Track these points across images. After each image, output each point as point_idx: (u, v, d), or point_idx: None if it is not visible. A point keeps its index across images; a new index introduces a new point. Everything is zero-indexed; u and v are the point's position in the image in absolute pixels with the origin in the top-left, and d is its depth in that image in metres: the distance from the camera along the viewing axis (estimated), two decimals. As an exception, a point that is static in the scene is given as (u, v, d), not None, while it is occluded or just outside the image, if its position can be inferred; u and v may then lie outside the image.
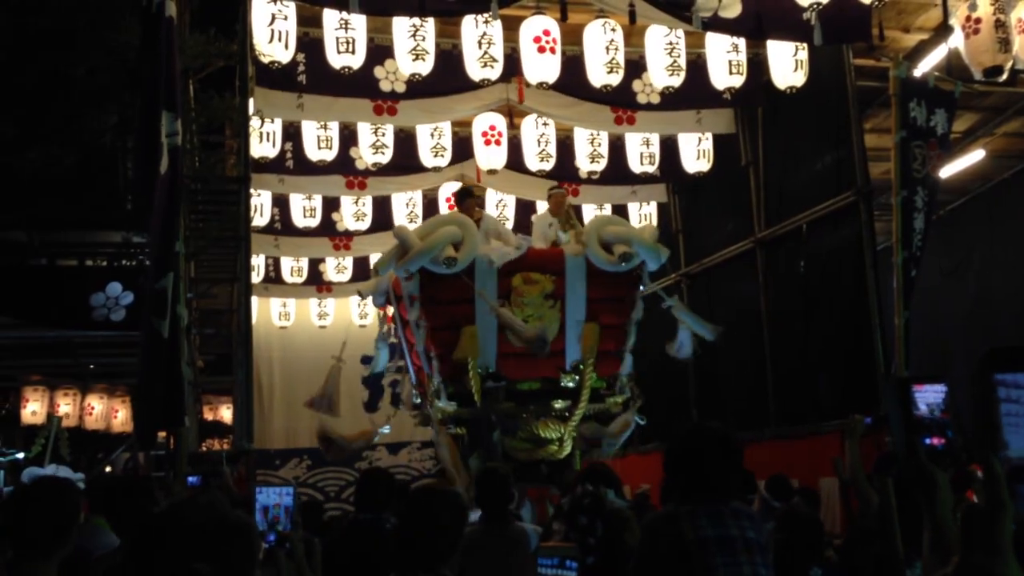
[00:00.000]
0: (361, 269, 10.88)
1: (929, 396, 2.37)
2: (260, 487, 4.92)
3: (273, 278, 11.09)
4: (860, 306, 7.36)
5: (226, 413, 13.12)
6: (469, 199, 7.51)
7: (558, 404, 6.86)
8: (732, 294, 9.49)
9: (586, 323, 6.84)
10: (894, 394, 2.39)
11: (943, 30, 7.37)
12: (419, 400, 7.48)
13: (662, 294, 7.53)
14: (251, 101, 6.93)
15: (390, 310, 7.59)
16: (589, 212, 9.78)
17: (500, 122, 8.75)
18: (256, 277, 9.77)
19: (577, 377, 6.85)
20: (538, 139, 8.82)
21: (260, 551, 2.55)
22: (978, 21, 7.02)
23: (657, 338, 7.73)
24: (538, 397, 6.88)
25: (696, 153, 9.09)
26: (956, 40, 7.21)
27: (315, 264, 11.11)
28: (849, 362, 7.60)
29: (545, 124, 8.83)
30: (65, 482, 2.65)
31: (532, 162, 8.85)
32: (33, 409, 11.80)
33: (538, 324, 6.64)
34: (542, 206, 8.64)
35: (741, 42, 7.53)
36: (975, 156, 9.56)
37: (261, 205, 9.48)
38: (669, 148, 9.13)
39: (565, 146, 9.04)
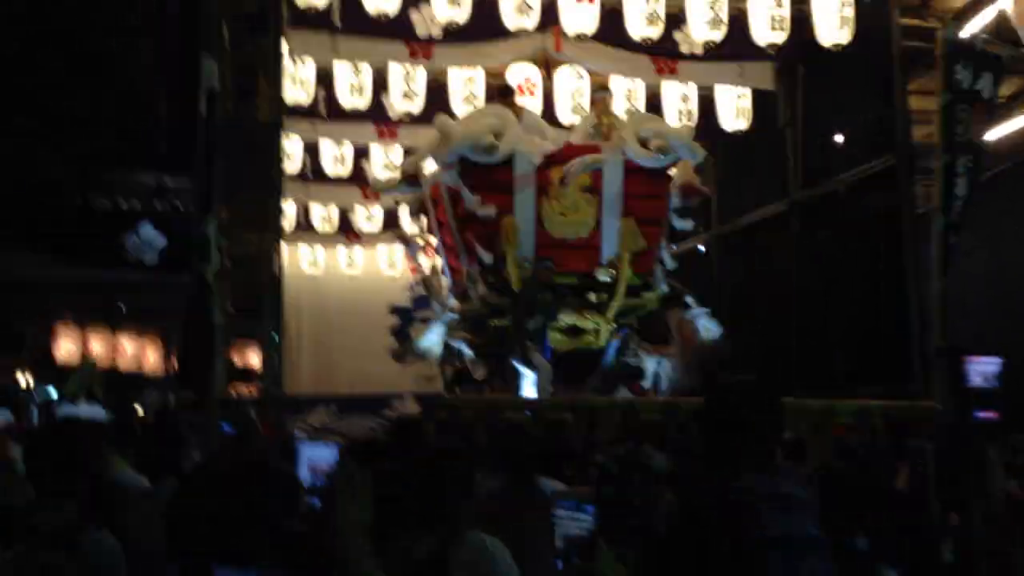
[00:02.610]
0: (391, 219, 10.85)
1: (985, 368, 2.31)
2: (305, 442, 4.96)
3: (303, 226, 11.10)
4: (896, 273, 7.27)
5: (254, 358, 13.24)
6: (509, 94, 7.47)
7: (594, 297, 6.88)
8: (765, 257, 9.39)
9: (623, 218, 6.81)
10: (944, 365, 2.33)
11: (994, -10, 7.17)
12: (455, 302, 7.45)
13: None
14: (284, 44, 6.86)
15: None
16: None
17: (535, 74, 8.63)
18: (286, 225, 9.77)
19: (613, 271, 6.85)
20: (573, 92, 8.69)
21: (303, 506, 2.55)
22: (1032, -19, 6.82)
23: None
24: (575, 290, 6.90)
25: (734, 111, 8.93)
26: (1005, 2, 7.01)
27: (345, 213, 11.11)
28: (882, 331, 7.52)
29: (580, 77, 8.70)
30: (82, 421, 2.66)
31: (565, 116, 8.74)
32: (66, 348, 11.93)
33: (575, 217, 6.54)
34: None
35: (786, -4, 7.34)
36: (1020, 122, 9.34)
37: (292, 151, 9.45)
38: (707, 105, 8.97)
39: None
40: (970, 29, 7.47)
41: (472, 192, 6.63)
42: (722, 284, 9.88)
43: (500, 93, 7.67)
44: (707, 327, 6.96)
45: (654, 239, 7.03)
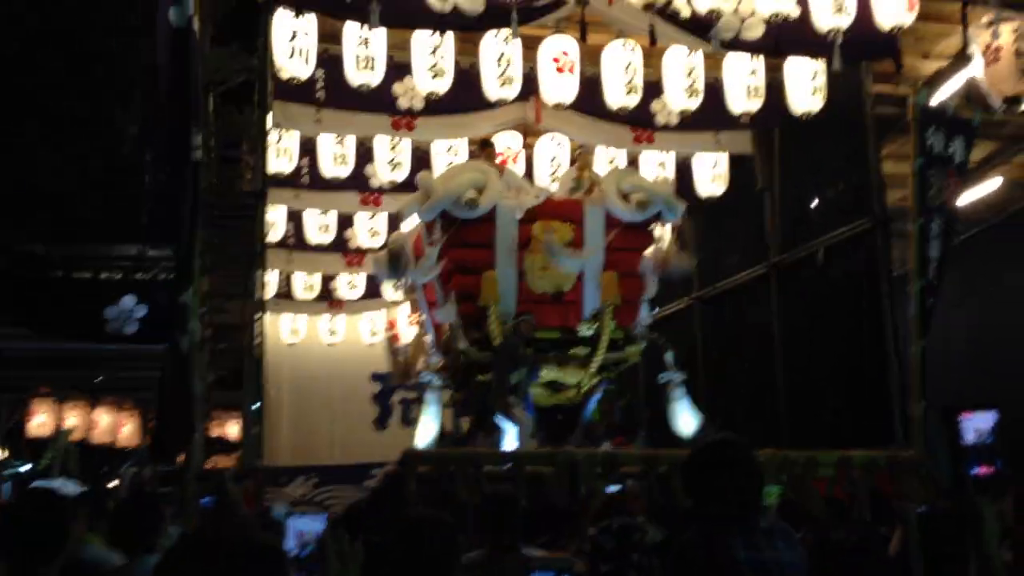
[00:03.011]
0: (373, 287, 10.87)
1: (978, 423, 2.33)
2: (295, 514, 4.89)
3: (285, 294, 11.08)
4: (876, 334, 7.32)
5: (233, 429, 13.08)
6: (489, 148, 7.54)
7: (576, 352, 6.86)
8: (746, 319, 9.44)
9: (604, 272, 6.83)
10: (940, 423, 2.34)
11: (963, 58, 7.35)
12: (438, 359, 7.43)
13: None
14: (269, 115, 6.94)
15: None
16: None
17: (516, 141, 8.76)
18: (269, 293, 9.76)
19: (596, 325, 6.84)
20: (551, 159, 8.81)
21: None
22: (998, 50, 7.01)
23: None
24: (557, 345, 6.88)
25: (711, 176, 9.07)
26: (976, 68, 7.19)
27: (327, 281, 11.11)
28: (864, 391, 7.54)
29: (559, 145, 8.83)
30: (55, 495, 2.62)
31: (544, 183, 8.84)
32: (40, 421, 11.77)
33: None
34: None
35: (760, 66, 7.52)
36: (992, 184, 9.53)
37: (276, 221, 9.48)
38: (684, 171, 9.11)
39: (580, 168, 9.01)
40: (941, 95, 7.66)
41: (454, 247, 6.66)
42: (704, 346, 9.91)
43: (481, 146, 7.76)
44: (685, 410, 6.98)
45: (636, 292, 7.07)
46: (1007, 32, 6.99)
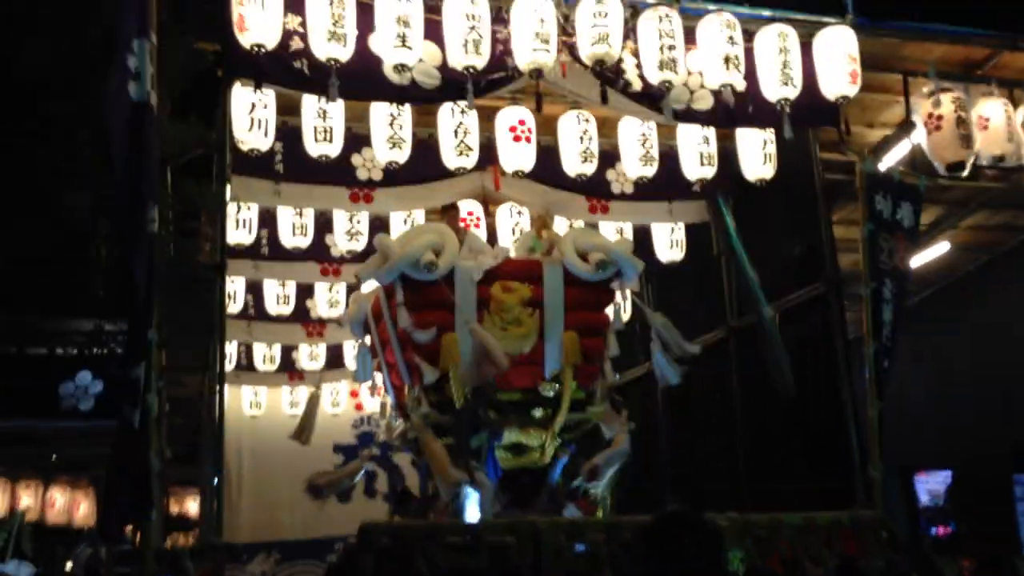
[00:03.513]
0: (334, 356, 10.82)
1: (932, 484, 2.36)
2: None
3: (245, 366, 10.98)
4: (833, 397, 7.39)
5: (192, 506, 12.82)
6: (452, 211, 7.57)
7: (538, 413, 6.81)
8: (706, 383, 9.50)
9: (565, 331, 6.83)
10: (896, 483, 2.38)
11: (906, 126, 7.60)
12: (400, 422, 7.36)
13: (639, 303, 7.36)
14: (228, 188, 6.97)
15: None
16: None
17: (477, 209, 8.85)
18: (228, 365, 9.68)
19: (557, 386, 6.81)
20: (513, 228, 8.91)
21: None
22: (940, 118, 7.26)
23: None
24: (518, 407, 6.82)
25: (669, 243, 9.21)
26: (919, 136, 7.44)
27: (288, 352, 11.03)
28: (825, 453, 7.59)
29: (519, 213, 8.94)
30: None
31: (513, 251, 8.90)
32: (-4, 502, 11.47)
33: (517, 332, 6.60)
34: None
35: (712, 134, 7.71)
36: (940, 248, 9.77)
37: (235, 291, 9.45)
38: (642, 237, 9.24)
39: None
40: (888, 162, 7.89)
41: (413, 309, 6.66)
42: (665, 410, 9.94)
43: (444, 210, 7.80)
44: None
45: (597, 351, 7.09)
46: (947, 102, 7.25)
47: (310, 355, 11.05)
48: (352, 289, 8.55)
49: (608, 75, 6.49)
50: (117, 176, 4.56)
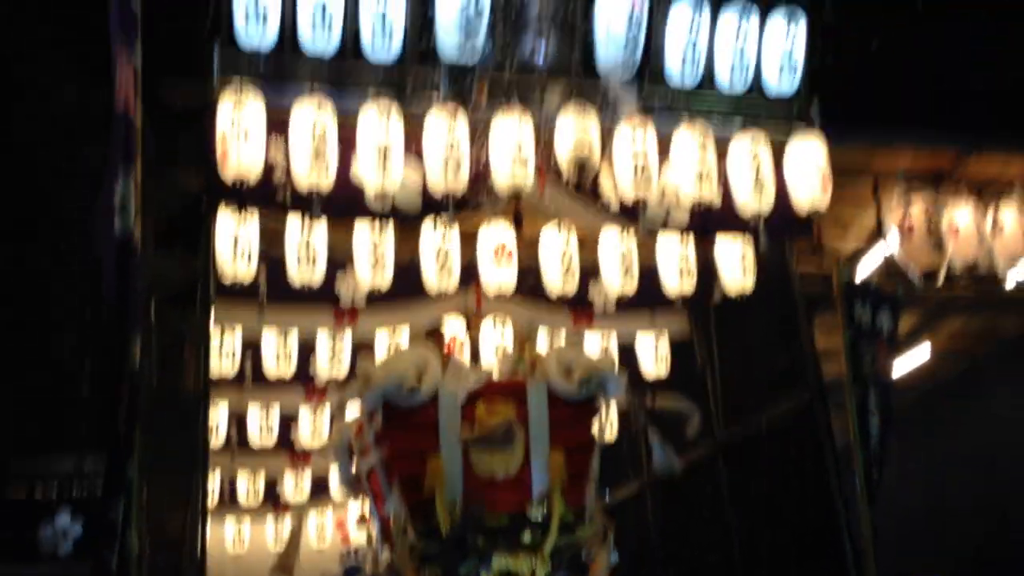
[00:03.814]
0: (319, 487, 10.64)
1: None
2: None
3: (228, 500, 10.77)
4: (825, 508, 7.30)
5: (172, 646, 12.32)
6: (436, 335, 7.52)
7: (527, 537, 6.59)
8: (697, 498, 9.38)
9: (551, 451, 6.70)
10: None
11: (880, 234, 7.74)
12: (386, 553, 7.12)
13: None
14: (212, 316, 6.97)
15: None
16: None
17: (459, 328, 8.86)
18: (211, 499, 9.49)
19: (545, 509, 6.62)
20: (496, 345, 8.90)
21: None
22: (911, 226, 7.42)
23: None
24: (507, 532, 6.61)
25: (654, 357, 9.22)
26: (893, 244, 7.58)
27: (271, 484, 10.84)
28: (819, 565, 7.45)
29: (503, 327, 8.94)
30: None
31: (496, 371, 8.89)
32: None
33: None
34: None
35: (690, 249, 7.82)
36: (922, 354, 9.83)
37: (218, 422, 9.33)
38: (627, 352, 9.26)
39: (525, 352, 9.11)
40: (864, 270, 8.00)
41: (396, 434, 6.58)
42: (657, 529, 9.78)
43: (428, 334, 7.78)
44: None
45: (584, 470, 6.97)
46: (918, 209, 7.43)
47: (294, 486, 10.86)
48: (335, 416, 8.47)
49: (585, 189, 6.64)
50: (106, 308, 4.56)
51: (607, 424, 7.46)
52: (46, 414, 6.03)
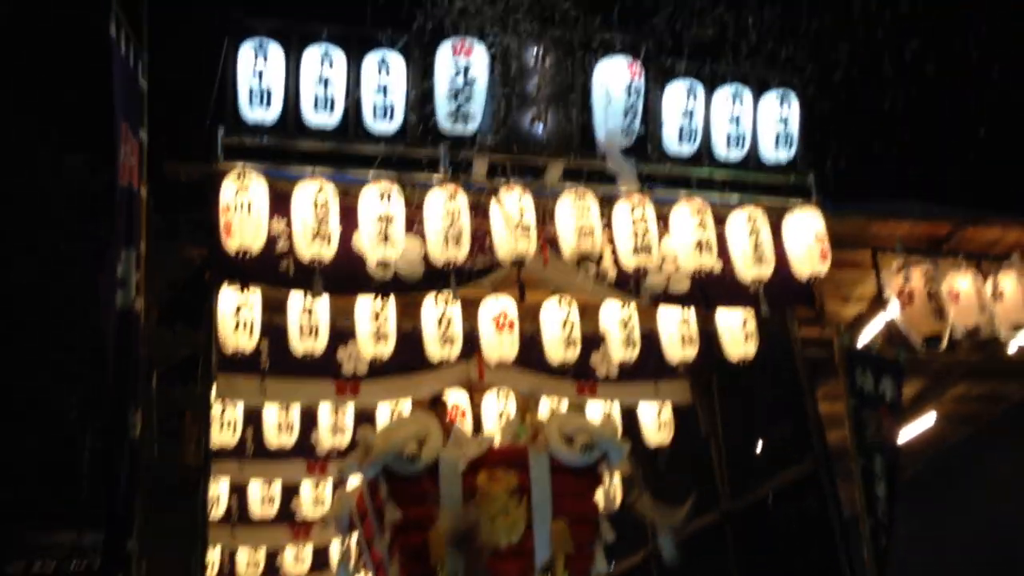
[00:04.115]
0: (320, 559, 10.49)
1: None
2: None
3: (228, 573, 10.60)
4: (835, 576, 7.19)
5: None
6: (439, 404, 7.47)
7: None
8: (703, 568, 9.23)
9: (554, 520, 6.60)
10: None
11: (880, 301, 7.74)
12: None
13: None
14: (213, 388, 6.97)
15: None
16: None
17: (463, 398, 8.84)
18: (211, 573, 9.37)
19: None
20: (499, 414, 8.87)
21: None
22: (912, 292, 7.41)
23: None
24: None
25: (656, 425, 9.17)
26: (893, 310, 7.57)
27: (272, 556, 10.69)
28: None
29: (506, 399, 8.91)
30: None
31: (497, 439, 8.84)
32: None
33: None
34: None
35: (692, 316, 7.83)
36: (927, 421, 9.75)
37: (219, 494, 9.25)
38: (630, 420, 9.21)
39: (528, 422, 9.07)
40: (865, 337, 7.99)
41: (398, 503, 6.51)
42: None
43: (431, 404, 7.76)
44: None
45: (587, 538, 6.89)
46: (917, 276, 7.42)
47: (295, 558, 10.71)
48: (337, 486, 8.40)
49: (587, 265, 6.67)
50: (108, 381, 4.59)
51: (611, 492, 7.38)
52: (46, 487, 6.01)
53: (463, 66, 6.54)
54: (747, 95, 7.19)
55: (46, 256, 5.97)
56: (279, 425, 8.47)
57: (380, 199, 6.37)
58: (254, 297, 7.00)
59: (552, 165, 6.96)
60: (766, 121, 7.25)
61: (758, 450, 8.59)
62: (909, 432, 9.48)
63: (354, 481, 7.17)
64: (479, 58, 6.59)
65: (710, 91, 7.18)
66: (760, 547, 8.37)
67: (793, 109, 7.27)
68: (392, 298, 7.23)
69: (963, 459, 10.14)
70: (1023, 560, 9.38)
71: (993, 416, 9.91)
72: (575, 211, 6.63)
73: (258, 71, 6.34)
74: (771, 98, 7.24)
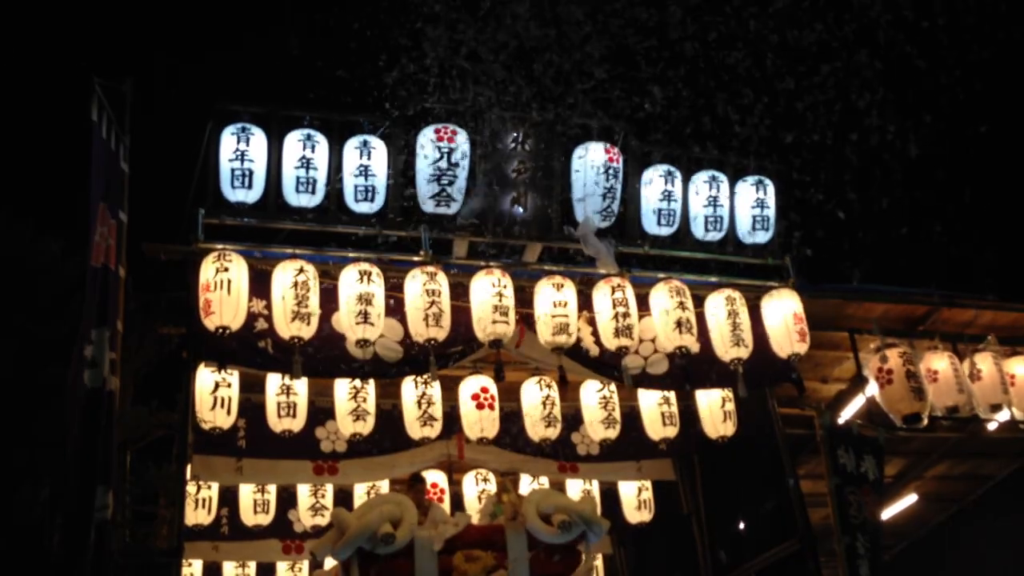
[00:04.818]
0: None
1: None
2: None
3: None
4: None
5: None
6: (419, 484, 7.37)
7: None
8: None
9: None
10: None
11: (859, 380, 7.77)
12: None
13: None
14: (188, 468, 6.87)
15: None
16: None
17: (441, 479, 8.75)
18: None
19: None
20: (479, 495, 8.77)
21: None
22: (890, 372, 7.45)
23: None
24: None
25: (637, 503, 9.07)
26: (872, 390, 7.60)
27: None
28: None
29: (485, 480, 8.84)
30: None
31: (475, 518, 8.73)
32: None
33: None
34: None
35: (671, 395, 7.83)
36: (909, 500, 9.71)
37: None
38: (610, 499, 9.12)
39: (508, 502, 8.96)
40: (845, 415, 7.99)
41: None
42: None
43: (410, 484, 7.66)
44: None
45: None
46: (895, 356, 7.48)
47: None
48: (313, 567, 8.24)
49: (564, 345, 6.68)
50: (68, 464, 4.52)
51: (591, 571, 7.25)
52: (13, 571, 5.87)
53: (446, 150, 6.65)
54: (723, 183, 7.35)
55: (24, 342, 5.93)
56: (255, 504, 8.34)
57: (360, 279, 6.38)
58: (232, 375, 6.95)
59: (530, 247, 7.03)
60: (743, 206, 7.39)
61: (741, 527, 8.51)
62: (891, 511, 9.43)
63: (331, 561, 7.05)
64: (461, 142, 6.69)
65: (687, 175, 7.31)
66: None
67: (769, 194, 7.41)
68: (372, 379, 7.20)
69: (945, 538, 10.07)
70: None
71: (974, 495, 9.88)
72: (554, 304, 6.65)
73: (240, 153, 6.41)
74: (747, 185, 7.40)
